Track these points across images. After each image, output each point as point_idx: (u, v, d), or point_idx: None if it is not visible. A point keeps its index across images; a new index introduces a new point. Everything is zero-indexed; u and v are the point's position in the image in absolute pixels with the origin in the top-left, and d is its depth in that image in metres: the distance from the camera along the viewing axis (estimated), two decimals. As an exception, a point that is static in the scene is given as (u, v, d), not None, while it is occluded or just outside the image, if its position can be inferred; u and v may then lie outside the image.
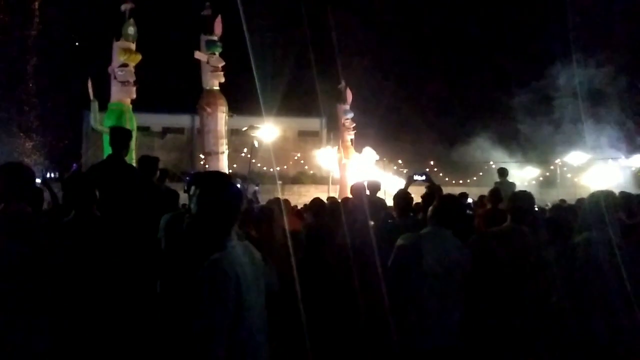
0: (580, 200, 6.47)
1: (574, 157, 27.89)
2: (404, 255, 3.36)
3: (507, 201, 4.03)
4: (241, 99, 22.42)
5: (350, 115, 21.88)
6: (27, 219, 2.72)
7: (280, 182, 23.50)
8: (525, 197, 3.85)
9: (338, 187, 21.56)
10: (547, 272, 3.53)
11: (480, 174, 28.07)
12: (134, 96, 16.53)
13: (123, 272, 2.96)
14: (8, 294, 2.56)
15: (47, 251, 2.68)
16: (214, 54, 18.35)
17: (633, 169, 26.52)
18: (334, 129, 25.93)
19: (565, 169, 29.08)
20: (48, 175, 14.78)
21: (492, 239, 3.73)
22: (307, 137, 34.54)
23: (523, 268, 3.51)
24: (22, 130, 26.28)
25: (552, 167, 29.76)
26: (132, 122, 15.64)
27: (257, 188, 12.75)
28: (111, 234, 3.02)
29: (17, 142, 25.60)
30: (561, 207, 6.21)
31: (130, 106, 16.52)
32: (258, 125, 18.44)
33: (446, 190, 6.26)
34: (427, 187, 5.83)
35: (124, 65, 16.11)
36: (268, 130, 19.25)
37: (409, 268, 3.30)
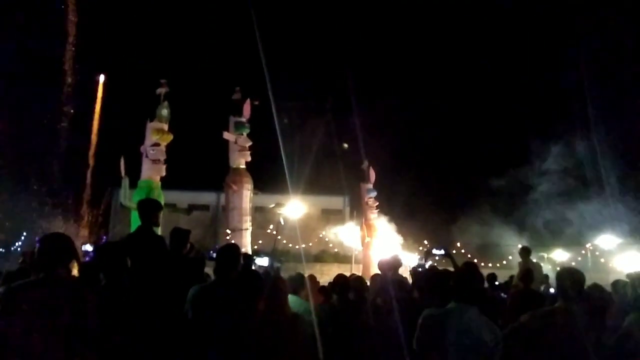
0: (616, 283, 6.21)
1: (605, 241, 27.07)
2: (427, 330, 3.31)
3: (555, 280, 3.86)
4: (266, 177, 22.88)
5: (374, 194, 22.02)
6: (70, 284, 2.81)
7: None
8: (575, 275, 3.68)
9: (361, 266, 21.22)
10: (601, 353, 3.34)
11: (510, 257, 27.36)
12: (164, 174, 17.09)
13: (151, 338, 2.97)
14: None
15: (87, 315, 2.76)
16: (242, 134, 19.06)
17: (669, 253, 25.49)
18: (357, 207, 26.00)
19: (597, 253, 28.15)
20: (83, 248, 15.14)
21: (543, 319, 3.54)
22: (330, 216, 34.58)
23: (579, 350, 3.32)
24: (53, 206, 27.16)
25: (582, 251, 28.86)
26: (161, 198, 15.99)
27: (279, 265, 12.70)
28: (140, 301, 3.05)
29: (48, 217, 26.34)
30: (598, 288, 5.96)
31: (160, 183, 17.02)
32: (283, 203, 18.64)
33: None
34: (454, 266, 5.72)
35: (156, 144, 16.82)
36: (293, 208, 19.41)
37: (433, 342, 3.23)
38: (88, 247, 16.26)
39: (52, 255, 2.94)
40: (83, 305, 2.83)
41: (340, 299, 4.96)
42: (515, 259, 24.84)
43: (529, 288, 6.05)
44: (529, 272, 6.46)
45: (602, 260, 27.79)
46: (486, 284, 8.69)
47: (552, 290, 10.18)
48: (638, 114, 27.10)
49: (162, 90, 17.49)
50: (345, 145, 23.80)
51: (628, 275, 5.09)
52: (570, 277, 3.62)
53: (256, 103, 18.90)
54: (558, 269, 3.84)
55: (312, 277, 5.87)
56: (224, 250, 3.71)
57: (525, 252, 9.89)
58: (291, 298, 4.52)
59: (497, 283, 9.60)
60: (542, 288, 9.45)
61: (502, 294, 7.84)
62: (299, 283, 4.77)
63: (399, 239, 24.23)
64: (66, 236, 3.11)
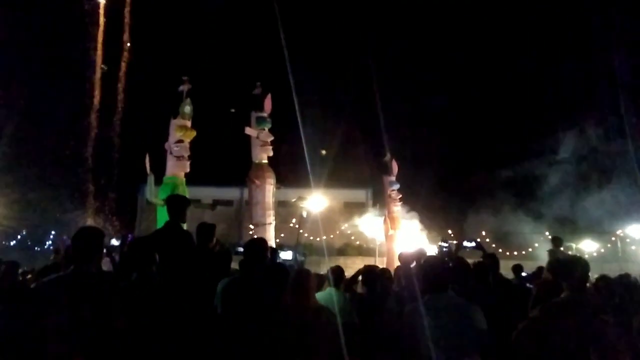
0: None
1: (635, 230, 26.45)
2: (408, 325, 3.47)
3: (561, 270, 3.83)
4: (288, 171, 23.00)
5: (396, 186, 21.89)
6: (96, 280, 2.87)
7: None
8: (578, 264, 3.65)
9: (385, 259, 21.17)
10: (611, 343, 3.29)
11: (536, 244, 26.96)
12: (188, 170, 17.30)
13: (181, 332, 3.03)
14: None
15: (111, 311, 2.82)
16: (264, 129, 19.15)
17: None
18: (380, 200, 25.92)
19: (627, 240, 27.48)
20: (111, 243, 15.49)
21: (553, 310, 3.51)
22: (353, 209, 34.57)
23: (584, 340, 3.28)
24: (81, 203, 27.86)
25: (613, 239, 28.20)
26: (186, 194, 16.21)
27: (303, 258, 12.80)
28: (170, 296, 3.12)
29: (77, 214, 27.02)
30: (626, 278, 5.86)
31: (184, 179, 17.26)
32: (305, 197, 18.71)
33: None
34: (483, 257, 5.70)
35: (180, 141, 17.03)
36: (315, 201, 19.47)
37: (415, 335, 3.36)
38: (114, 242, 16.61)
39: (83, 250, 2.99)
40: (108, 301, 2.89)
41: (369, 290, 4.97)
42: (540, 247, 24.51)
43: (557, 279, 5.96)
44: (557, 262, 6.35)
45: (633, 248, 27.15)
46: (512, 275, 8.63)
47: None
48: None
49: (184, 88, 17.66)
50: (323, 152, 23.89)
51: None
52: (576, 267, 3.60)
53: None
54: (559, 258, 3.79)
55: (339, 269, 5.92)
56: (252, 244, 3.76)
57: (556, 243, 9.78)
58: (330, 290, 4.56)
59: (524, 274, 9.50)
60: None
61: (528, 284, 7.76)
62: (337, 275, 4.80)
63: (422, 231, 24.09)
64: (99, 230, 3.16)
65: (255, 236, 18.74)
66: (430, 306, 3.39)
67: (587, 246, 28.73)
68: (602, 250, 28.26)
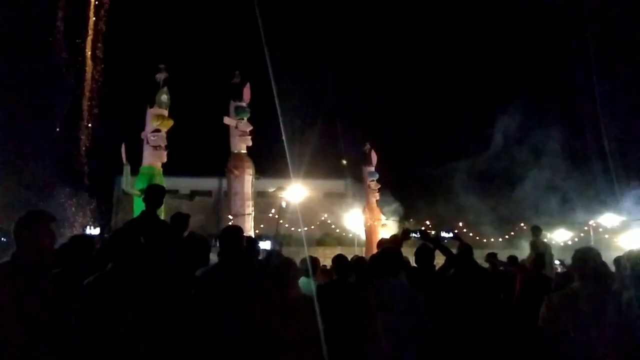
0: (617, 259, 6.26)
1: (608, 219, 27.11)
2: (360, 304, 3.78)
3: (572, 260, 3.91)
4: (267, 162, 22.91)
5: (375, 177, 22.01)
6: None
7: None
8: (592, 255, 3.75)
9: (364, 248, 21.33)
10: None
11: (512, 233, 27.47)
12: (165, 160, 17.06)
13: (160, 320, 3.01)
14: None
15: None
16: (243, 119, 18.98)
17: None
18: (359, 190, 26.05)
19: (600, 230, 28.18)
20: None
21: (563, 300, 3.58)
22: (333, 199, 34.67)
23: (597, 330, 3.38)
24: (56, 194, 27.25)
25: (585, 228, 28.88)
26: (163, 184, 16.01)
27: (279, 248, 12.88)
28: (148, 285, 3.09)
29: (55, 205, 26.42)
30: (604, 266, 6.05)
31: (161, 169, 17.03)
32: (285, 187, 18.66)
33: (476, 252, 6.20)
34: (458, 247, 5.79)
35: (157, 130, 16.76)
36: (295, 192, 19.44)
37: (366, 314, 3.68)
38: (92, 231, 16.31)
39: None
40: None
41: (340, 277, 5.01)
42: (517, 237, 24.99)
43: (539, 272, 6.20)
44: (540, 257, 6.60)
45: (607, 237, 27.86)
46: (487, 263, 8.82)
47: (559, 269, 10.40)
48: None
49: (161, 76, 17.34)
50: None
51: (628, 252, 5.13)
52: (596, 258, 3.71)
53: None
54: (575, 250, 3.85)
55: (316, 259, 5.93)
56: (226, 233, 3.72)
57: (535, 232, 10.01)
58: (307, 280, 4.58)
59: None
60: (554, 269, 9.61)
61: (501, 268, 8.06)
62: (312, 265, 4.83)
63: (400, 221, 24.31)
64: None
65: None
66: (379, 289, 3.70)
67: (560, 236, 29.40)
68: (576, 239, 28.92)
